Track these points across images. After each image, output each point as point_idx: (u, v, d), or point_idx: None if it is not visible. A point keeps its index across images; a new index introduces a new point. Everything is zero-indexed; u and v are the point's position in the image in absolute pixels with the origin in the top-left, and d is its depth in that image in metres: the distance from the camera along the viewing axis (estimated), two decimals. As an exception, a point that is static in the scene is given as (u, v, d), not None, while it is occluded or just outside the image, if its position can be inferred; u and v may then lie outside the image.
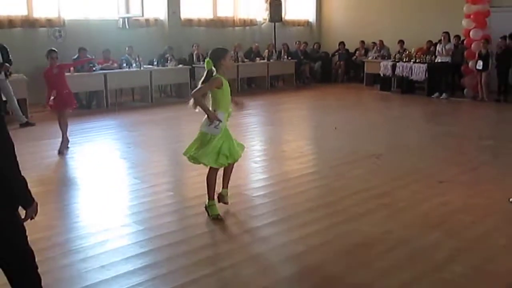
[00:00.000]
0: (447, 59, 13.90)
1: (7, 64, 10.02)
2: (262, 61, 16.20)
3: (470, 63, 13.59)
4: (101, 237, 4.67)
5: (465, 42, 13.95)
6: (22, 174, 2.62)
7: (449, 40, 13.88)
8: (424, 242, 4.59)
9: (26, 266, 2.84)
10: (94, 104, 12.58)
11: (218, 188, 5.32)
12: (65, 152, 7.82)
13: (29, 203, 2.74)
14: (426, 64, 14.22)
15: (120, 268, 4.05)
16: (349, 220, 5.11)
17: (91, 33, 13.09)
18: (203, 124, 5.12)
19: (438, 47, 14.05)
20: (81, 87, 12.03)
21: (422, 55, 14.57)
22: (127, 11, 13.88)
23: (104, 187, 6.30)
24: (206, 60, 5.03)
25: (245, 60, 15.75)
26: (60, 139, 7.88)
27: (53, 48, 8.05)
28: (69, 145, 8.02)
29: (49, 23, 12.81)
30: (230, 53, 5.65)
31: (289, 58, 16.92)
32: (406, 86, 14.94)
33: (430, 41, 14.88)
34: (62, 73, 7.99)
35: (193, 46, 15.03)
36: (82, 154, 7.88)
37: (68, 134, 8.00)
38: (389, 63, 15.05)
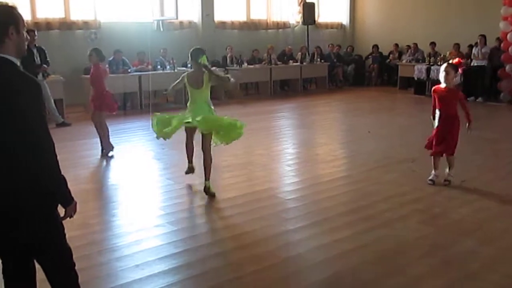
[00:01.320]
0: (483, 62, 13.66)
1: (44, 66, 10.27)
2: (295, 63, 16.18)
3: (508, 67, 13.32)
4: (136, 236, 4.74)
5: (502, 45, 13.68)
6: (62, 172, 2.68)
7: (485, 43, 13.63)
8: (459, 249, 4.52)
9: (64, 264, 2.89)
10: (128, 106, 12.76)
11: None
12: (107, 156, 7.81)
13: (69, 202, 2.79)
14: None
15: (154, 267, 4.10)
16: (382, 225, 5.06)
17: (126, 36, 13.29)
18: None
19: (474, 50, 13.82)
20: (116, 89, 12.19)
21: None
22: (162, 14, 14.03)
23: (139, 187, 6.39)
24: (202, 56, 5.96)
25: (278, 62, 15.76)
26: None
27: (95, 47, 8.06)
28: (110, 153, 7.90)
29: (86, 25, 13.08)
30: None
31: (322, 60, 16.88)
32: (441, 90, 14.70)
33: (457, 44, 14.73)
34: (96, 73, 7.89)
35: (226, 48, 15.11)
36: (117, 155, 7.99)
37: (109, 139, 7.96)
38: (424, 66, 14.87)
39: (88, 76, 9.90)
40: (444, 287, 3.87)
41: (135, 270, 4.06)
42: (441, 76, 6.26)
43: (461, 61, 6.64)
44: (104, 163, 7.59)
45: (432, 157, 6.47)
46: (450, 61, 6.49)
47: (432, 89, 6.57)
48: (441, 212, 5.44)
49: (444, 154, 6.44)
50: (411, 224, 5.12)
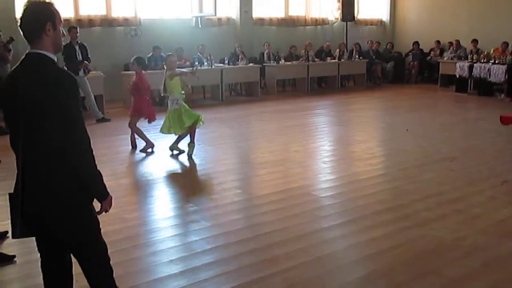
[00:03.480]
0: (529, 60, 13.25)
1: (86, 62, 10.45)
2: (333, 60, 16.05)
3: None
4: (170, 232, 4.77)
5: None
6: (98, 168, 2.71)
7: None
8: (500, 251, 4.38)
9: (99, 258, 2.92)
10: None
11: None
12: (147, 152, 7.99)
13: (104, 196, 2.82)
14: (506, 65, 13.61)
15: (188, 263, 4.12)
16: (420, 225, 4.96)
17: (165, 32, 13.43)
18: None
19: (519, 48, 13.43)
20: (154, 85, 12.33)
21: (501, 56, 13.97)
22: (200, 11, 14.12)
23: (175, 183, 6.44)
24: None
25: (316, 59, 15.65)
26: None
27: (138, 56, 8.33)
28: (149, 149, 8.04)
29: (126, 22, 13.27)
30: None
31: (361, 57, 16.67)
32: (484, 88, 14.35)
33: (505, 42, 14.30)
34: (138, 82, 8.11)
35: (264, 45, 15.09)
36: (154, 151, 8.07)
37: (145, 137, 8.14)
38: (466, 63, 14.53)
39: (128, 72, 10.08)
40: (482, 289, 3.77)
41: (169, 265, 4.09)
42: None
43: None
44: (141, 158, 7.68)
45: None
46: None
47: None
48: (481, 213, 5.29)
49: None
50: (449, 224, 5.00)
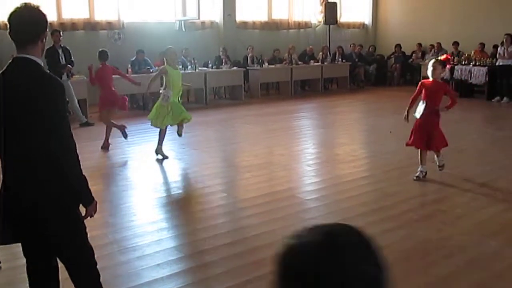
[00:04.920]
0: (509, 62, 13.43)
1: (69, 66, 10.38)
2: (316, 63, 16.12)
3: (534, 67, 13.10)
4: (157, 236, 4.76)
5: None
6: (83, 172, 2.70)
7: (511, 43, 13.40)
8: (483, 250, 4.45)
9: (86, 262, 2.92)
10: (150, 106, 12.83)
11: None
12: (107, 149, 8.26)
13: (90, 201, 2.82)
14: (486, 67, 13.80)
15: (175, 267, 4.12)
16: (404, 226, 5.01)
17: (149, 36, 13.39)
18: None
19: (500, 50, 13.60)
20: (138, 89, 12.28)
21: (482, 58, 14.17)
22: (184, 14, 14.11)
23: (159, 187, 6.42)
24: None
25: (299, 62, 15.72)
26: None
27: (104, 49, 8.69)
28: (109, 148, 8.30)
29: (109, 25, 13.21)
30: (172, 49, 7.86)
31: (344, 60, 16.79)
32: (465, 90, 14.53)
33: (482, 43, 14.54)
34: (102, 72, 8.50)
35: (247, 48, 15.12)
36: (138, 154, 8.05)
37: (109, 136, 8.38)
38: (447, 66, 14.66)
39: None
40: (467, 287, 3.81)
41: (156, 269, 4.08)
42: (429, 71, 6.40)
43: (449, 57, 6.86)
44: (126, 162, 7.65)
45: (419, 152, 6.50)
46: (438, 58, 6.74)
47: (420, 82, 6.68)
48: (464, 213, 5.37)
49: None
50: (433, 224, 5.06)
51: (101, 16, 13.14)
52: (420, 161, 6.51)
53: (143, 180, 6.72)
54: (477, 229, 4.94)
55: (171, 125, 7.68)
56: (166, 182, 6.65)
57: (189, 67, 13.15)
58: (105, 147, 8.26)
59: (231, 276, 3.98)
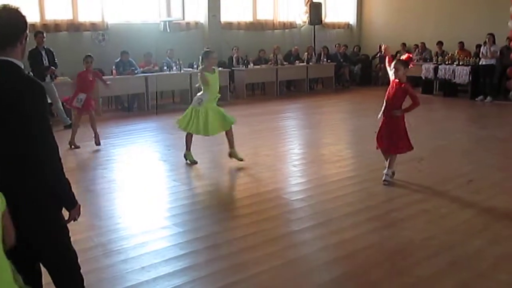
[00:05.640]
0: (492, 61, 13.57)
1: (53, 67, 10.30)
2: (301, 64, 16.16)
3: (516, 66, 13.25)
4: (142, 238, 4.74)
5: (511, 44, 13.62)
6: (66, 175, 2.68)
7: (494, 42, 13.55)
8: (467, 249, 4.48)
9: (70, 266, 2.89)
10: (135, 107, 12.79)
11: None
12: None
13: (73, 204, 2.79)
14: (469, 67, 13.93)
15: (160, 269, 4.10)
16: (389, 226, 5.04)
17: (133, 37, 13.34)
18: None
19: (482, 49, 13.74)
20: (123, 90, 12.27)
21: (465, 57, 14.30)
22: (168, 15, 14.06)
23: (145, 189, 6.39)
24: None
25: (284, 63, 15.74)
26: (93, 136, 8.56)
27: (90, 54, 8.59)
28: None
29: (93, 27, 13.14)
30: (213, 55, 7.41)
31: (329, 61, 16.85)
32: (449, 89, 14.66)
33: (461, 42, 14.78)
34: (95, 80, 8.56)
35: (233, 49, 15.11)
36: (123, 156, 8.01)
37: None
38: (431, 65, 14.80)
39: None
40: (451, 286, 3.84)
41: (141, 272, 4.06)
42: (391, 72, 6.31)
43: (410, 56, 6.69)
44: (111, 164, 7.60)
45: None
46: (400, 58, 6.59)
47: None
48: (448, 212, 5.40)
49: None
50: (417, 224, 5.09)
51: (84, 17, 13.07)
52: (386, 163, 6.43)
53: (128, 182, 6.68)
54: (461, 229, 4.98)
55: (209, 134, 7.26)
56: (151, 184, 6.62)
57: (174, 68, 13.12)
58: (98, 141, 8.52)
59: (217, 279, 3.97)
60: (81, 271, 2.95)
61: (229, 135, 7.27)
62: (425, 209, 5.48)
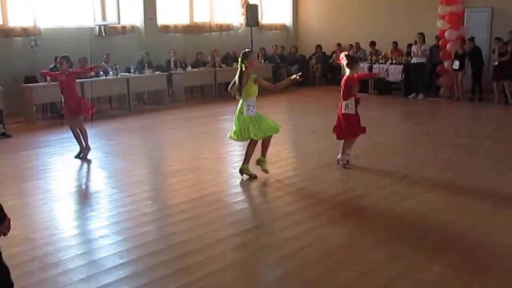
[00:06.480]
0: (423, 59, 14.08)
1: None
2: (239, 65, 16.19)
3: (446, 63, 13.79)
4: (80, 249, 4.64)
5: (440, 42, 14.16)
6: (0, 186, 2.61)
7: (424, 41, 14.04)
8: (404, 242, 4.64)
9: (1, 283, 2.81)
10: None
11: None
12: (87, 160, 7.97)
13: (1, 219, 2.72)
14: (402, 65, 14.39)
15: (100, 280, 4.02)
16: (328, 223, 5.14)
17: (67, 41, 13.02)
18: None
19: (413, 48, 14.22)
20: (58, 97, 11.92)
21: (398, 56, 14.76)
22: (104, 19, 13.81)
23: (82, 198, 6.26)
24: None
25: (223, 65, 15.76)
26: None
27: (64, 55, 8.16)
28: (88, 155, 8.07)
29: (25, 32, 12.74)
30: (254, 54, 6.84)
31: (266, 62, 17.00)
32: (383, 87, 15.09)
33: (395, 42, 15.31)
34: (70, 81, 8.00)
35: (170, 52, 15.01)
36: (59, 165, 7.81)
37: (87, 141, 8.13)
38: (366, 65, 15.19)
39: (29, 84, 9.80)
40: (390, 280, 3.95)
41: (80, 284, 3.97)
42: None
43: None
44: (46, 174, 7.39)
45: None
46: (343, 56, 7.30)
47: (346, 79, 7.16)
48: (385, 207, 5.57)
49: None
50: (356, 220, 5.23)
51: (15, 22, 12.64)
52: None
53: (64, 192, 6.50)
54: (397, 222, 5.15)
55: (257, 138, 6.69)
56: (89, 193, 6.49)
57: (111, 72, 12.89)
58: (86, 153, 8.07)
59: (159, 285, 3.94)
60: (18, 286, 2.87)
61: (267, 141, 6.82)
62: (363, 205, 5.64)
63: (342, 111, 7.03)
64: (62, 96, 8.13)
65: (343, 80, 7.08)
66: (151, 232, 5.03)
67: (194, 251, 4.55)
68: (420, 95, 14.14)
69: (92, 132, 10.48)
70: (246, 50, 6.76)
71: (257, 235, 4.90)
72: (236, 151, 8.53)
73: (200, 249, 4.60)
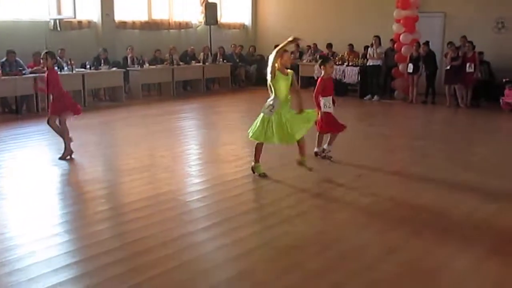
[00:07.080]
0: (378, 62, 14.33)
1: None
2: (197, 64, 16.16)
3: (401, 66, 14.07)
4: (29, 248, 4.51)
5: (395, 46, 14.43)
6: None
7: (379, 44, 14.28)
8: (356, 242, 4.71)
9: None
10: (24, 109, 12.16)
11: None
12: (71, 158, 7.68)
13: None
14: (358, 67, 14.61)
15: (50, 280, 3.92)
16: (282, 222, 5.17)
17: (20, 35, 12.69)
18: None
19: (369, 51, 14.46)
20: (10, 91, 11.64)
21: (354, 58, 14.98)
22: (59, 13, 13.53)
23: (34, 195, 6.11)
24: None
25: (181, 63, 15.66)
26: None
27: (48, 50, 7.91)
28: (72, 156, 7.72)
29: (-26, 25, 12.32)
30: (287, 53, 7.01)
31: (225, 61, 16.99)
32: (340, 89, 15.25)
33: (351, 44, 15.60)
34: (50, 76, 7.72)
35: (127, 49, 14.82)
36: (10, 162, 7.60)
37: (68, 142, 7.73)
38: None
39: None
40: (342, 279, 4.00)
41: (28, 284, 3.87)
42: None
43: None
44: (-4, 170, 7.19)
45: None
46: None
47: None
48: (339, 207, 5.65)
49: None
50: (310, 219, 5.28)
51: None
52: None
53: (14, 189, 6.33)
54: (350, 222, 5.23)
55: (287, 143, 6.60)
56: (40, 190, 6.32)
57: (66, 68, 12.63)
58: (69, 154, 7.69)
59: (111, 285, 3.87)
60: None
61: (301, 141, 6.63)
62: (316, 205, 5.70)
63: (322, 109, 7.50)
64: (48, 93, 7.89)
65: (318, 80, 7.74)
66: (104, 230, 4.95)
67: (147, 250, 4.50)
68: (375, 97, 14.39)
69: (46, 129, 10.22)
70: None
71: (212, 234, 4.87)
72: (193, 150, 8.53)
73: (153, 248, 4.55)
